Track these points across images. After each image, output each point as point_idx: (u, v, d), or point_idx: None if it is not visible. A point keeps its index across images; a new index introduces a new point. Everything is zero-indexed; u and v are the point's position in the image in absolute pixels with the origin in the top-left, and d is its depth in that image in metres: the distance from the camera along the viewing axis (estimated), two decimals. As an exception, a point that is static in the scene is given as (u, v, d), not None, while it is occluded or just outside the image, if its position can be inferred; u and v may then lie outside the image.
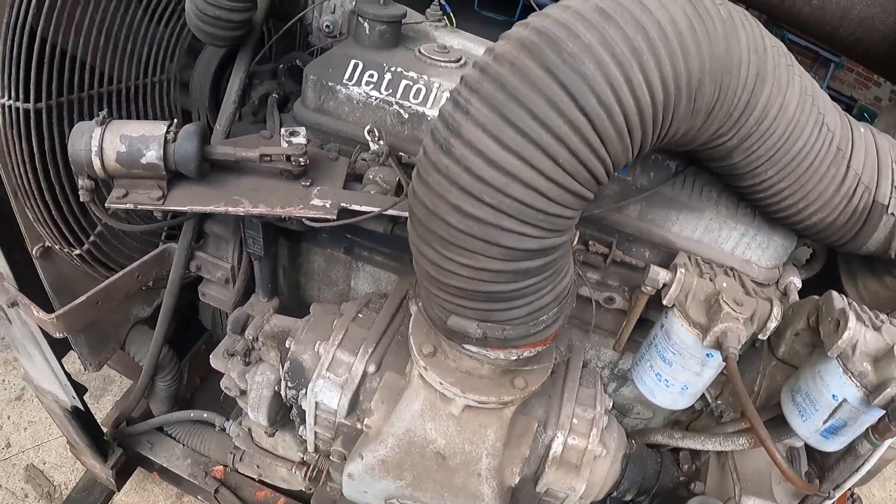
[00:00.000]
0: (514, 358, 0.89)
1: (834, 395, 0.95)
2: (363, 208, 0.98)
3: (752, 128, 0.84)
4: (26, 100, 1.09)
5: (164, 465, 1.70)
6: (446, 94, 1.10)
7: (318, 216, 0.96)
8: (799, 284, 1.19)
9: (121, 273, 1.26)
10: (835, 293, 1.01)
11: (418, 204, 0.75)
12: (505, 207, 0.68)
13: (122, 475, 1.79)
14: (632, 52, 0.66)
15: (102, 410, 2.09)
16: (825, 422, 0.97)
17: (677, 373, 1.07)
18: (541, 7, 0.76)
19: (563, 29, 0.67)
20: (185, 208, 0.97)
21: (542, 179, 0.67)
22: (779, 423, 1.04)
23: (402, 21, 1.20)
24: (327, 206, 0.97)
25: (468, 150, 0.68)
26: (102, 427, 1.68)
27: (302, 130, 0.99)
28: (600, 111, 0.66)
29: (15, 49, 1.06)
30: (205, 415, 1.59)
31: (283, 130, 0.98)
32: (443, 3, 1.38)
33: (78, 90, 1.19)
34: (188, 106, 1.43)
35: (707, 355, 1.02)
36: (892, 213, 0.99)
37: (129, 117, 1.30)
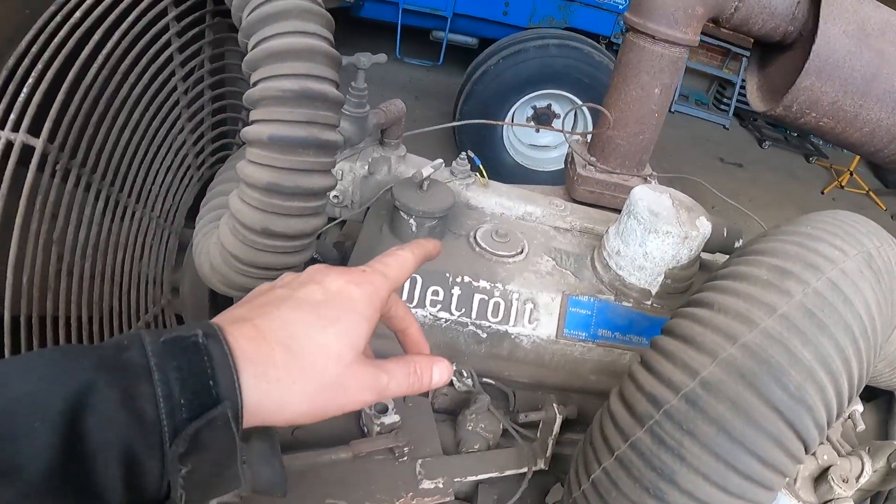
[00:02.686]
0: None
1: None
2: (481, 477, 0.90)
3: None
4: None
5: None
6: (529, 306, 1.02)
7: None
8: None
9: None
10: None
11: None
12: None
13: None
14: (843, 362, 0.65)
15: None
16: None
17: None
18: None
19: (781, 350, 0.63)
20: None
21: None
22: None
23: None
24: (440, 486, 0.87)
25: (687, 499, 0.64)
26: None
27: (390, 403, 0.88)
28: (816, 434, 0.65)
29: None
30: None
31: (367, 407, 0.88)
32: (472, 155, 1.30)
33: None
34: (181, 310, 1.27)
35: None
36: None
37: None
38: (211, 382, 0.39)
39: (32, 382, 0.35)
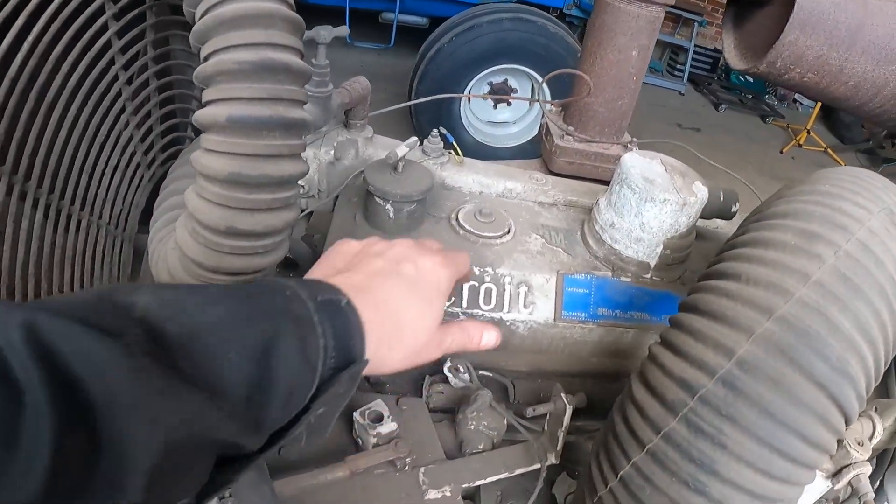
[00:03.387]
0: None
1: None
2: (490, 479, 0.84)
3: None
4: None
5: None
6: (522, 290, 0.96)
7: (443, 515, 0.79)
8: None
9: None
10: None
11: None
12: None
13: None
14: (880, 327, 0.62)
15: None
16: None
17: None
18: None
19: (820, 320, 0.59)
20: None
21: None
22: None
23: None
24: (447, 494, 0.81)
25: (731, 489, 0.59)
26: None
27: (384, 410, 0.82)
28: (857, 406, 0.62)
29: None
30: None
31: (359, 417, 0.82)
32: (444, 132, 1.23)
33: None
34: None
35: None
36: None
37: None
38: (352, 342, 0.48)
39: (220, 313, 0.41)
